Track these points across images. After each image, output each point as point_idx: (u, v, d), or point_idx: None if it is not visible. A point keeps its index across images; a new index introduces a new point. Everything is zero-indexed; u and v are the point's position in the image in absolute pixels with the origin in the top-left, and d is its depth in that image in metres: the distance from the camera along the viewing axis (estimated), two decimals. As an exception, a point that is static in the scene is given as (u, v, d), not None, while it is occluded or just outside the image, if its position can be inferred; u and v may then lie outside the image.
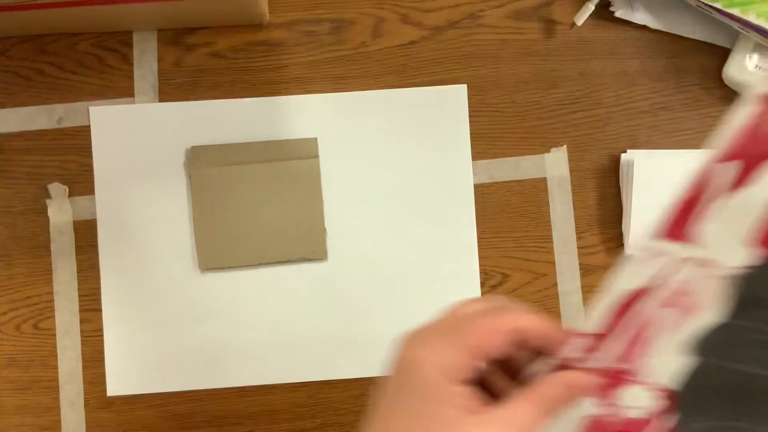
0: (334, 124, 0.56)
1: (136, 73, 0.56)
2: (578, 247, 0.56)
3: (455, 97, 0.56)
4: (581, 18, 0.55)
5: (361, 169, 0.56)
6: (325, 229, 0.55)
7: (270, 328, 0.55)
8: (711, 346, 0.30)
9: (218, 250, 0.55)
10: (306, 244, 0.55)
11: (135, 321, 0.55)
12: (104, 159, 0.56)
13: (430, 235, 0.56)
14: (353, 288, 0.56)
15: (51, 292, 0.55)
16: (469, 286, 0.56)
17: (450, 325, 0.29)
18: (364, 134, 0.56)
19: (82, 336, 0.55)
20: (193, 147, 0.55)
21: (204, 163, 0.55)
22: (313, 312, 0.55)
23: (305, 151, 0.55)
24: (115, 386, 0.55)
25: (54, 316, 0.55)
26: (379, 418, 0.28)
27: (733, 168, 0.30)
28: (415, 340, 0.29)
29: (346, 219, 0.56)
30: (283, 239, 0.55)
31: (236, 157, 0.55)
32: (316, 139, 0.56)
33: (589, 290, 0.56)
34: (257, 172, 0.55)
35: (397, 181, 0.56)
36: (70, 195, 0.56)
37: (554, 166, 0.56)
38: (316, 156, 0.55)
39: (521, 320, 0.28)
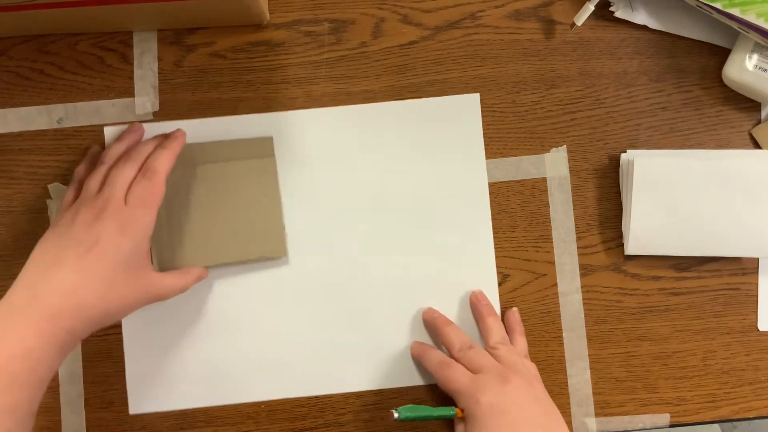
0: (345, 137, 0.56)
1: (136, 73, 0.56)
2: (578, 247, 0.56)
3: (468, 107, 0.56)
4: (581, 18, 0.55)
5: (377, 177, 0.56)
6: (283, 226, 0.55)
7: (272, 341, 0.55)
8: None
9: (174, 249, 0.53)
10: (265, 243, 0.54)
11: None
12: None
13: (447, 241, 0.55)
14: (364, 295, 0.55)
15: (51, 292, 0.55)
16: (487, 290, 0.55)
17: None
18: (379, 145, 0.56)
19: (82, 336, 0.55)
20: None
21: None
22: (323, 321, 0.55)
23: (261, 151, 0.55)
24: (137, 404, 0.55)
25: (54, 316, 0.55)
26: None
27: None
28: None
29: (363, 228, 0.55)
30: (242, 238, 0.54)
31: (192, 157, 0.54)
32: (271, 138, 0.55)
33: (589, 290, 0.56)
34: (213, 172, 0.54)
35: (412, 190, 0.55)
36: (70, 195, 0.56)
37: (554, 166, 0.56)
38: (272, 155, 0.55)
39: None
